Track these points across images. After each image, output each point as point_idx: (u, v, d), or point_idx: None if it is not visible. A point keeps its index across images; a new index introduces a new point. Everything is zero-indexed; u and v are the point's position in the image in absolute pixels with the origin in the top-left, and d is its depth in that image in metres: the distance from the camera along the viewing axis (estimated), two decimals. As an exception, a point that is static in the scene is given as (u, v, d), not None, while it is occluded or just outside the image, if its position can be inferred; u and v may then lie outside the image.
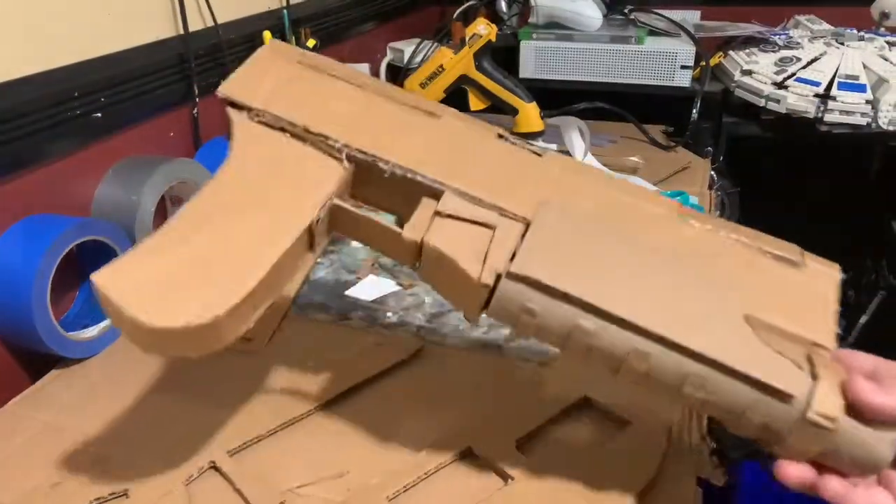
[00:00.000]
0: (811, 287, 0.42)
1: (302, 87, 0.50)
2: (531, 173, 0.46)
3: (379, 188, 0.48)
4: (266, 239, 0.43)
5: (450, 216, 0.44)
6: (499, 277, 0.42)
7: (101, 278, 0.40)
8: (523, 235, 0.43)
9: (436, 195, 0.45)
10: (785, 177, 1.51)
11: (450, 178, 0.45)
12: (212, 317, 0.39)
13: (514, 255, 0.42)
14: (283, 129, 0.48)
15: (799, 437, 0.38)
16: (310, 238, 0.46)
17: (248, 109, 0.48)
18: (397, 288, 0.79)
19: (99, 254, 0.71)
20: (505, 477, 0.51)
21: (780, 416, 0.38)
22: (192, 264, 0.42)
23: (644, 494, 0.49)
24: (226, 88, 0.49)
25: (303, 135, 0.47)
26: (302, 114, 0.48)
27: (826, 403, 0.37)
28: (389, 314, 0.74)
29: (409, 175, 0.45)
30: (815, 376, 0.38)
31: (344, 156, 0.46)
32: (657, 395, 0.41)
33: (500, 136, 0.48)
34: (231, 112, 0.48)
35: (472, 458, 0.53)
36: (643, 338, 0.40)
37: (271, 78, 0.49)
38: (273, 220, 0.44)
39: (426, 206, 0.45)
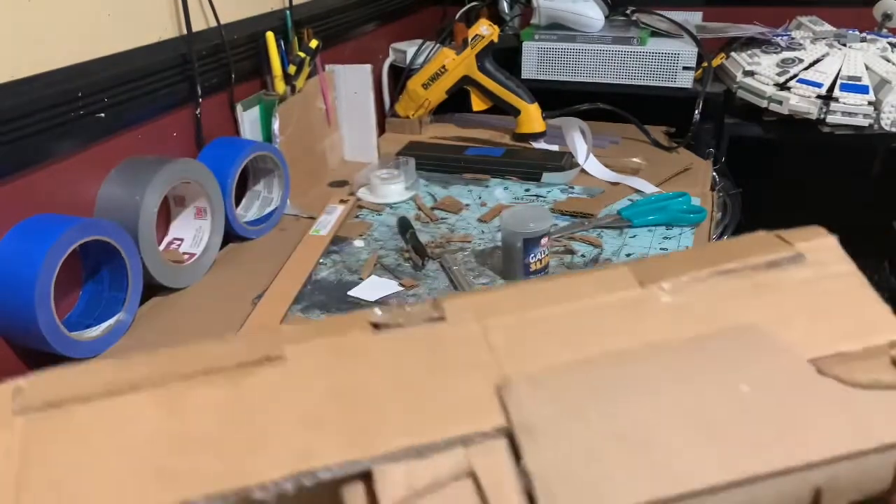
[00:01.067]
0: (828, 273, 0.34)
1: (52, 456, 0.29)
2: (454, 358, 0.31)
3: None
4: None
5: (405, 501, 0.28)
6: None
7: None
8: (516, 455, 0.28)
9: (364, 481, 0.28)
10: (787, 178, 1.51)
11: (362, 446, 0.28)
12: None
13: (530, 496, 0.28)
14: None
15: None
16: None
17: None
18: (399, 288, 0.79)
19: (102, 253, 0.71)
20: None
21: None
22: None
23: None
24: None
25: None
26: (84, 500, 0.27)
27: None
28: (391, 315, 0.74)
29: (305, 482, 0.28)
30: None
31: None
32: None
33: (376, 326, 0.33)
34: None
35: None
36: (746, 486, 0.28)
37: None
38: None
39: None
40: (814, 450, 0.29)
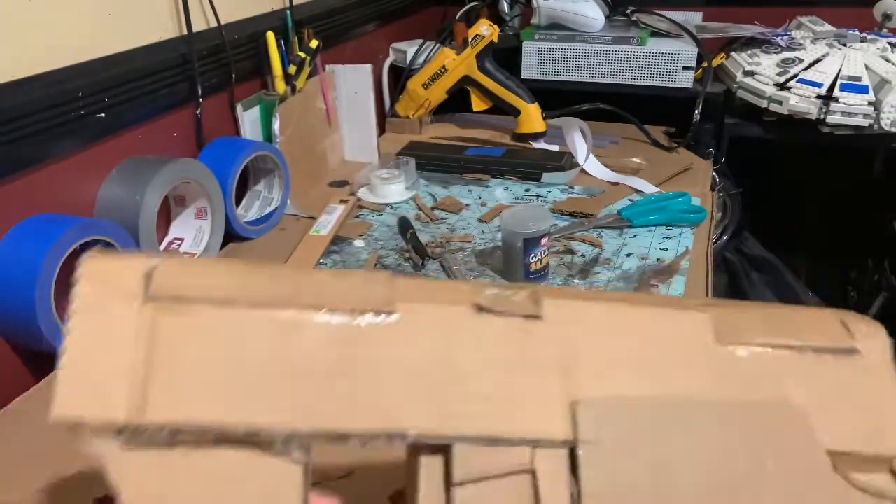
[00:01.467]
0: (871, 373, 0.37)
1: (176, 350, 0.30)
2: (540, 361, 0.34)
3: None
4: None
5: (474, 481, 0.31)
6: None
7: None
8: (573, 468, 0.32)
9: (438, 451, 0.32)
10: (787, 178, 1.51)
11: (449, 423, 0.31)
12: None
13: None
14: (181, 444, 0.29)
15: None
16: None
17: (116, 431, 0.28)
18: (399, 288, 0.79)
19: (102, 253, 0.71)
20: None
21: None
22: None
23: None
24: (63, 409, 0.28)
25: (217, 440, 0.29)
26: (198, 403, 0.29)
27: None
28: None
29: (396, 441, 0.31)
30: None
31: (294, 448, 0.30)
32: None
33: (480, 309, 0.34)
34: (92, 445, 0.28)
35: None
36: None
37: (122, 353, 0.29)
38: None
39: (430, 473, 0.31)
40: None
